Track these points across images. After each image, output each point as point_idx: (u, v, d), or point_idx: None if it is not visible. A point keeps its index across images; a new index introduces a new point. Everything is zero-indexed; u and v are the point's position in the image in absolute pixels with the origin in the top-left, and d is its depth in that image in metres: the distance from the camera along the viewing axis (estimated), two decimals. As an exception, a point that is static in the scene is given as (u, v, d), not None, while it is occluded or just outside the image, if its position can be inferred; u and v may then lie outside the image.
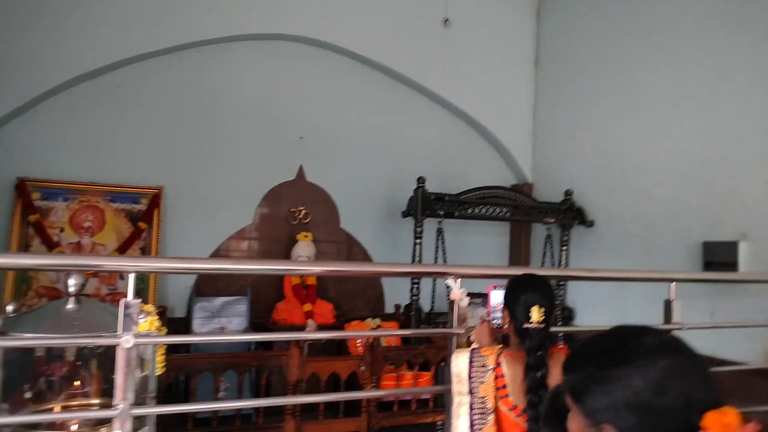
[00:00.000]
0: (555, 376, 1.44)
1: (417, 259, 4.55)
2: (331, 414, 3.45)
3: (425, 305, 4.68)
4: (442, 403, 3.81)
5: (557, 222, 4.89)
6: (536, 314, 1.48)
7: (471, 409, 1.47)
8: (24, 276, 3.83)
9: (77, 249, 3.99)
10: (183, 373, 3.20)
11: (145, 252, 4.20)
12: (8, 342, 1.32)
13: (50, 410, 1.48)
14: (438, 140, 5.44)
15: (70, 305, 1.68)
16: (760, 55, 3.52)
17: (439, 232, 4.62)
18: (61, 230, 3.99)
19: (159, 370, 1.66)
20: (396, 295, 4.99)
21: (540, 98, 5.57)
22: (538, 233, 5.40)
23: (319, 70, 5.03)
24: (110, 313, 1.81)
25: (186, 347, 3.84)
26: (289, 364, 3.25)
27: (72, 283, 1.63)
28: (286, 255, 4.74)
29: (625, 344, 0.81)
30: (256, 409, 3.36)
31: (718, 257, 3.63)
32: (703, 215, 3.82)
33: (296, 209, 4.91)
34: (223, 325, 4.28)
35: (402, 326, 4.58)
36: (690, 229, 3.89)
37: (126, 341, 1.23)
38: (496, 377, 1.48)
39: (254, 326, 4.38)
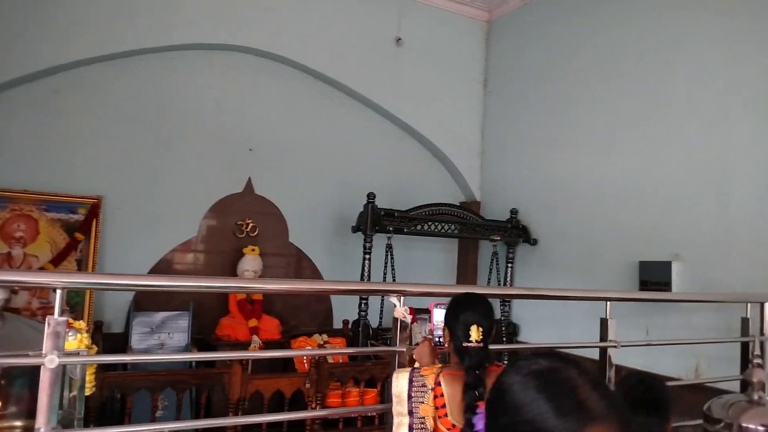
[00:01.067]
0: None
1: (366, 274, 4.55)
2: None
3: (373, 321, 4.66)
4: (387, 420, 3.80)
5: (503, 239, 5.00)
6: (475, 333, 1.49)
7: (410, 429, 1.46)
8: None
9: (7, 260, 3.77)
10: (118, 392, 3.06)
11: (81, 264, 4.01)
12: None
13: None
14: (388, 156, 5.48)
15: (-9, 321, 1.58)
16: (693, 87, 3.74)
17: (389, 247, 4.64)
18: (-11, 240, 3.77)
19: (88, 390, 1.58)
20: (344, 310, 4.95)
21: (488, 119, 5.72)
22: (485, 250, 5.51)
23: (270, 83, 4.99)
24: (38, 330, 1.71)
25: (123, 365, 3.68)
26: (231, 382, 3.17)
27: (-6, 297, 1.53)
28: (232, 268, 4.64)
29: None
30: (195, 430, 3.25)
31: (653, 276, 3.80)
32: (640, 236, 3.99)
33: (243, 222, 4.82)
34: (164, 341, 4.12)
35: (350, 342, 4.55)
36: (627, 248, 4.05)
37: (50, 361, 1.16)
38: (435, 396, 1.48)
39: (196, 342, 4.24)
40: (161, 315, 4.15)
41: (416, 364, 1.63)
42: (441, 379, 1.48)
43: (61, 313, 1.21)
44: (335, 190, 5.19)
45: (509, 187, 5.34)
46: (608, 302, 2.24)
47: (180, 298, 4.38)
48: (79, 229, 4.02)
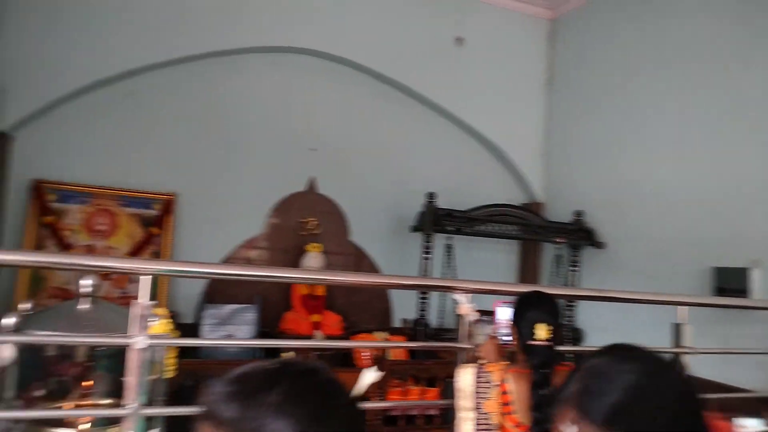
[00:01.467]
0: None
1: (424, 274, 4.55)
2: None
3: (433, 321, 4.66)
4: (448, 418, 3.79)
5: (567, 242, 4.88)
6: (541, 331, 1.48)
7: (475, 425, 1.46)
8: (37, 276, 3.87)
9: (90, 252, 4.03)
10: (191, 379, 3.20)
11: (157, 257, 4.23)
12: (24, 338, 1.34)
13: (61, 408, 1.49)
14: (449, 156, 5.47)
15: (83, 306, 1.70)
16: (775, 82, 3.53)
17: (448, 248, 4.62)
18: (75, 233, 4.03)
19: (169, 373, 1.67)
20: (403, 309, 4.98)
21: (552, 118, 5.59)
22: (547, 253, 5.39)
23: (332, 84, 5.08)
24: (122, 315, 1.82)
25: (195, 353, 3.85)
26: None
27: (85, 284, 1.65)
28: (295, 266, 4.76)
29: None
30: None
31: (729, 283, 3.60)
32: (714, 241, 3.80)
33: (306, 220, 4.93)
34: (232, 333, 4.28)
35: (409, 341, 4.56)
36: (701, 254, 3.87)
37: (138, 342, 1.24)
38: (502, 393, 1.47)
39: (262, 335, 4.38)
40: (230, 308, 4.31)
41: (481, 361, 1.62)
42: (507, 376, 1.48)
43: (148, 299, 1.29)
44: (395, 190, 5.22)
45: (574, 188, 5.21)
46: (684, 306, 2.15)
47: (247, 293, 4.54)
48: (155, 223, 4.25)
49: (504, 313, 1.64)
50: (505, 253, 5.60)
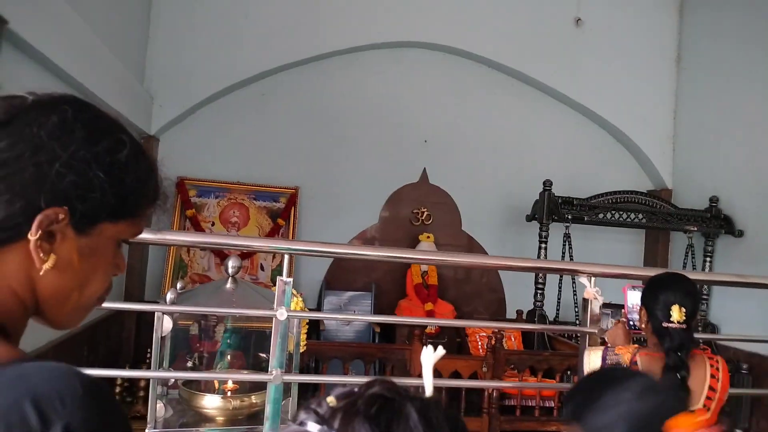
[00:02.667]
0: (697, 379, 1.38)
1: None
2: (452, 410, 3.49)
3: (549, 313, 4.55)
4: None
5: (700, 230, 4.52)
6: (677, 313, 1.42)
7: None
8: (182, 264, 4.33)
9: (225, 241, 4.43)
10: (314, 359, 3.43)
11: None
12: (185, 309, 1.54)
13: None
14: (566, 143, 5.27)
15: (229, 285, 1.88)
16: None
17: (567, 237, 4.47)
18: (212, 224, 4.46)
19: (302, 347, 1.82)
20: (517, 300, 4.91)
21: (681, 98, 5.18)
22: (677, 242, 5.03)
23: (444, 75, 5.12)
24: (260, 294, 2.02)
25: (317, 335, 4.11)
26: (412, 358, 3.35)
27: (231, 265, 1.83)
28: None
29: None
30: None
31: None
32: None
33: (419, 210, 5.03)
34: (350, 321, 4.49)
35: (524, 332, 4.49)
36: None
37: (281, 314, 1.38)
38: None
39: (377, 322, 4.55)
40: (348, 294, 4.53)
41: (609, 345, 1.58)
42: (638, 358, 1.44)
43: (289, 275, 1.43)
44: (508, 179, 5.14)
45: (707, 172, 4.80)
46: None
47: (364, 280, 4.74)
48: (281, 215, 4.57)
49: (634, 298, 1.58)
50: (628, 243, 5.30)
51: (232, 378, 1.49)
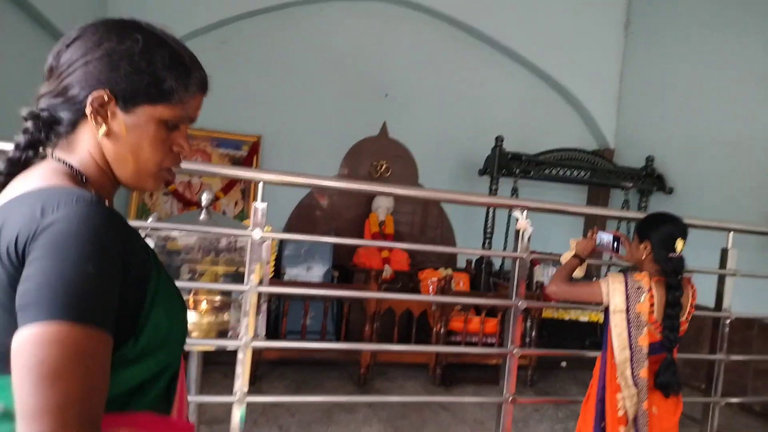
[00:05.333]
0: (684, 298, 1.78)
1: (491, 218, 4.76)
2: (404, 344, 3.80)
3: (496, 263, 4.89)
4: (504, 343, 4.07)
5: (635, 187, 4.90)
6: (681, 245, 1.76)
7: (628, 323, 1.75)
8: (144, 208, 4.42)
9: (188, 186, 4.53)
10: (277, 299, 3.64)
11: (245, 193, 4.68)
12: (167, 226, 1.71)
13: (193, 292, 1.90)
14: (518, 101, 5.53)
15: (203, 215, 2.05)
16: None
17: (514, 191, 4.77)
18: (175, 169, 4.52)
19: (270, 272, 2.03)
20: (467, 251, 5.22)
21: (628, 62, 5.49)
22: (616, 199, 5.42)
23: (405, 30, 5.24)
24: (231, 224, 2.19)
25: (279, 277, 4.31)
26: (368, 299, 3.61)
27: (205, 197, 1.99)
28: (366, 206, 5.09)
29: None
30: (338, 331, 3.77)
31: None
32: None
33: (378, 163, 5.22)
34: (310, 266, 4.70)
35: (472, 279, 4.83)
36: (775, 199, 3.83)
37: (256, 234, 1.57)
38: (650, 297, 1.76)
39: (336, 268, 4.78)
40: (307, 243, 4.71)
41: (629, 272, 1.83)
42: (652, 284, 1.76)
43: (262, 201, 1.61)
44: (464, 134, 5.38)
45: (646, 133, 5.16)
46: (731, 233, 2.28)
47: (323, 228, 4.94)
48: (243, 163, 4.68)
49: (605, 237, 1.90)
50: (573, 199, 5.67)
51: (214, 287, 1.68)
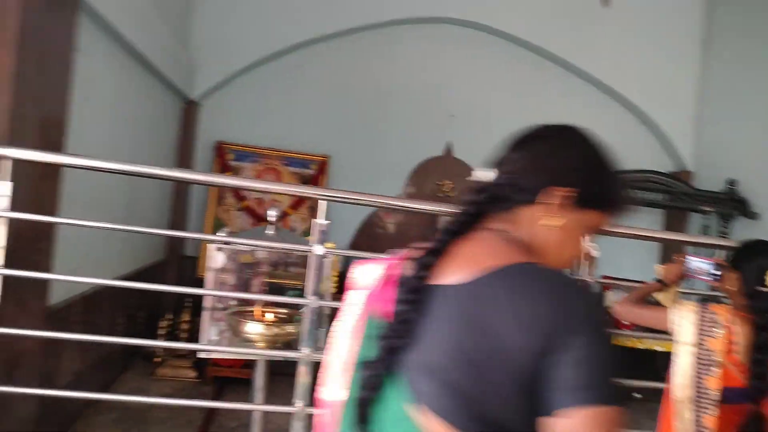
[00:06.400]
0: None
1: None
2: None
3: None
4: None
5: (716, 212, 4.64)
6: None
7: (696, 358, 1.57)
8: (219, 223, 4.65)
9: (259, 204, 4.73)
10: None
11: (312, 211, 4.82)
12: (236, 240, 1.81)
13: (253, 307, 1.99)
14: (588, 121, 5.15)
15: (270, 231, 2.14)
16: None
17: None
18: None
19: (333, 287, 2.09)
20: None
21: (707, 81, 5.24)
22: (694, 223, 5.14)
23: (471, 51, 5.27)
24: (298, 241, 2.28)
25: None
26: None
27: (272, 214, 2.09)
28: (432, 226, 5.11)
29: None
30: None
31: None
32: None
33: (443, 183, 5.23)
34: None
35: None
36: None
37: (317, 249, 1.63)
38: (728, 334, 1.56)
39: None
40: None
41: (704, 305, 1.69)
42: (734, 319, 1.56)
43: (324, 219, 1.68)
44: (532, 156, 5.29)
45: (727, 155, 4.89)
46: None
47: (387, 247, 4.97)
48: (311, 181, 4.83)
49: (695, 264, 1.73)
50: (647, 223, 5.41)
51: (277, 300, 1.75)
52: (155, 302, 4.27)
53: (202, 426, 3.11)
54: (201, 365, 3.79)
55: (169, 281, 4.50)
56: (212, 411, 3.30)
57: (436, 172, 5.27)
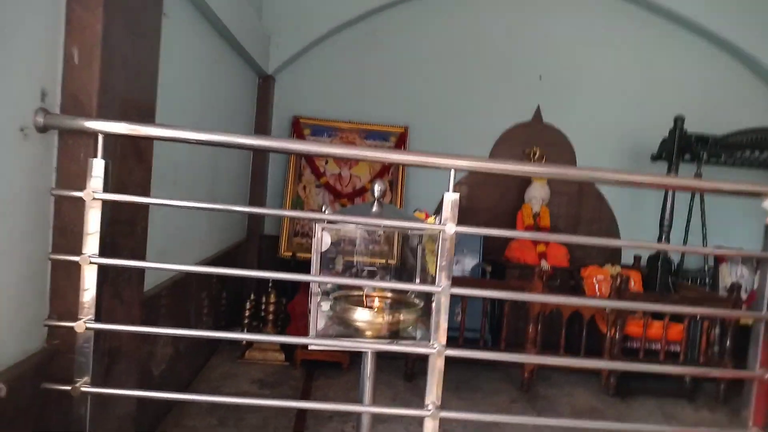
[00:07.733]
0: None
1: (668, 212, 4.17)
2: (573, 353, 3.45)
3: (675, 257, 4.30)
4: (693, 357, 3.53)
5: None
6: None
7: None
8: (298, 200, 4.50)
9: (338, 179, 4.53)
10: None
11: (392, 185, 4.59)
12: (346, 219, 1.59)
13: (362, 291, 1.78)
14: (698, 77, 4.82)
15: (375, 207, 1.89)
16: None
17: (698, 177, 4.14)
18: (326, 163, 4.55)
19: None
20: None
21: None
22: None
23: (560, 5, 4.80)
24: (403, 216, 2.04)
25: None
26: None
27: (377, 189, 1.83)
28: (519, 195, 4.76)
29: None
30: (497, 330, 3.53)
31: None
32: None
33: (531, 150, 4.85)
34: (458, 259, 4.49)
35: (644, 277, 4.29)
36: None
37: (449, 228, 1.37)
38: None
39: (486, 262, 4.52)
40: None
41: None
42: None
43: (454, 191, 1.41)
44: (631, 117, 4.82)
45: None
46: None
47: (471, 221, 4.69)
48: (392, 154, 4.57)
49: None
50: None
51: (400, 287, 1.53)
52: (239, 283, 4.19)
53: (298, 413, 2.98)
54: (289, 348, 3.68)
55: (250, 261, 4.41)
56: (307, 396, 3.17)
57: (524, 139, 4.89)
